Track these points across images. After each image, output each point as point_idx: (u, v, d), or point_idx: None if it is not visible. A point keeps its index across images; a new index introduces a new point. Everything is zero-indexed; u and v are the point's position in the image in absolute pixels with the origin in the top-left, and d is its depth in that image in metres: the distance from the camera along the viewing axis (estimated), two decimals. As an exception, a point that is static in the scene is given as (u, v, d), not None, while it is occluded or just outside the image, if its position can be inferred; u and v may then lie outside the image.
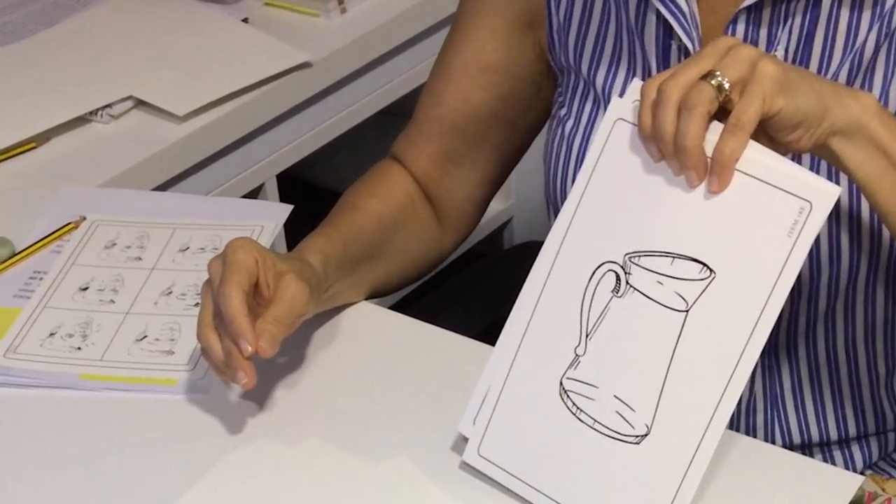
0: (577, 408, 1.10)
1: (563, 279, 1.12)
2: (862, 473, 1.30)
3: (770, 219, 1.04)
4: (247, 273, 1.18)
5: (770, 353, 1.31)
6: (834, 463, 1.33)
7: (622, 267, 1.09)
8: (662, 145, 1.06)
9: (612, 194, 1.11)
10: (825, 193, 1.03)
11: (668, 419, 1.07)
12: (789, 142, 1.07)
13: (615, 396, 1.09)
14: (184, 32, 1.93)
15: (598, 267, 1.10)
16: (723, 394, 1.04)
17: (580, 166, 1.30)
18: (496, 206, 2.37)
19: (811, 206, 1.03)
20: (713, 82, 1.03)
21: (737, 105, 1.04)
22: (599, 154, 1.12)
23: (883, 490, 1.13)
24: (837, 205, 1.19)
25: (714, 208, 1.06)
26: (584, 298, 1.11)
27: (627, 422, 1.08)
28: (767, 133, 1.06)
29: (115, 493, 1.19)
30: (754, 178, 1.05)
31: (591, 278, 1.10)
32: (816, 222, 1.03)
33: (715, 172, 1.05)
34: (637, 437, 1.08)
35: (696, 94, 1.03)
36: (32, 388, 1.30)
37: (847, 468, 1.33)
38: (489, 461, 1.15)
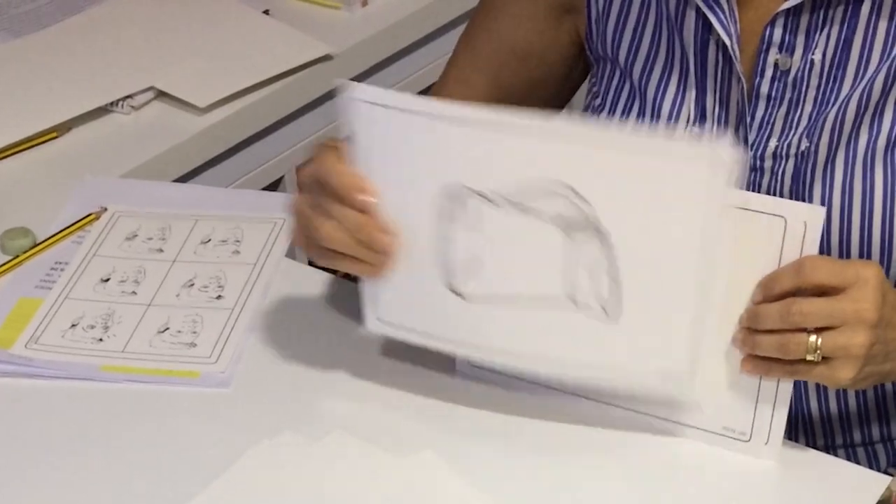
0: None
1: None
2: (887, 472, 1.30)
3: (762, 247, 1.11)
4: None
5: None
6: (858, 462, 1.32)
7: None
8: (752, 321, 1.11)
9: None
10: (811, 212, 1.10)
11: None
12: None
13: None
14: (205, 23, 1.92)
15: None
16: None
17: None
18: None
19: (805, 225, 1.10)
20: (813, 343, 1.09)
21: (812, 372, 1.10)
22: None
23: (910, 491, 1.12)
24: (870, 207, 1.23)
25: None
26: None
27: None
28: None
29: (136, 485, 1.18)
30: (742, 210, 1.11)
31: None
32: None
33: (752, 361, 1.13)
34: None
35: (796, 344, 1.09)
36: (54, 379, 1.29)
37: (871, 467, 1.32)
38: (391, 323, 1.21)
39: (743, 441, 1.15)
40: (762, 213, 1.10)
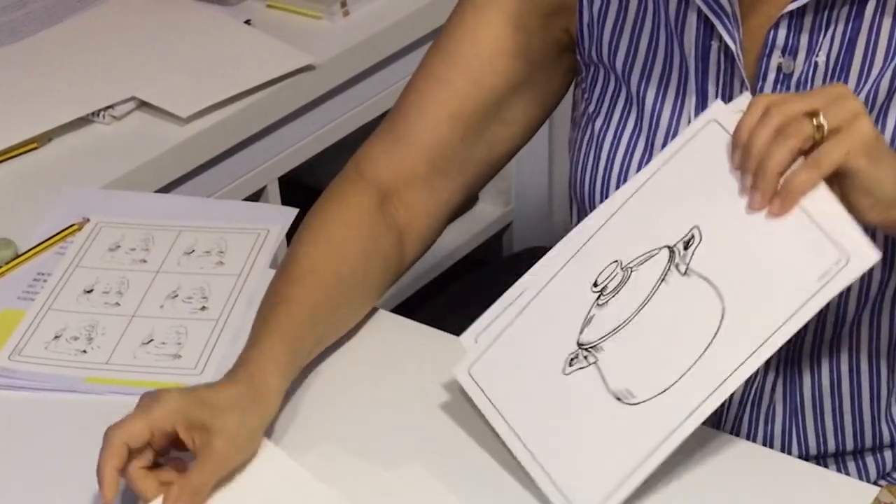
0: (579, 362, 1.14)
1: (604, 244, 1.18)
2: (876, 483, 1.30)
3: (807, 258, 1.09)
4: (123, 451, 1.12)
5: (793, 362, 1.30)
6: (847, 473, 1.32)
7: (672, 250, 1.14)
8: (748, 159, 1.11)
9: (679, 186, 1.16)
10: (864, 254, 1.07)
11: (666, 395, 1.10)
12: (860, 208, 1.10)
13: (624, 361, 1.13)
14: (186, 33, 1.92)
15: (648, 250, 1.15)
16: (711, 394, 1.08)
17: (610, 165, 1.29)
18: (496, 211, 2.36)
19: (848, 260, 1.07)
20: (815, 122, 1.08)
21: (823, 146, 1.09)
22: (684, 145, 1.17)
23: (899, 501, 1.12)
24: None
25: (764, 229, 1.10)
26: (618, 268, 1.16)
27: (629, 389, 1.12)
28: (843, 190, 1.10)
29: (121, 497, 1.17)
30: (808, 215, 1.09)
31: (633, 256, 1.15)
32: (847, 277, 1.07)
33: (780, 196, 1.10)
34: (636, 402, 1.11)
35: (797, 126, 1.08)
36: (37, 391, 1.28)
37: (861, 478, 1.33)
38: (476, 383, 1.19)
39: None
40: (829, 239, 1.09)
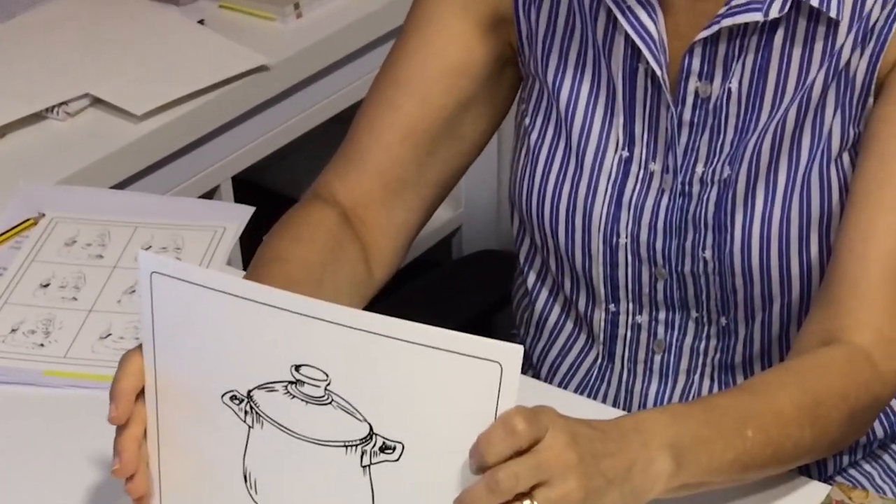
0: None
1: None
2: (830, 479, 1.32)
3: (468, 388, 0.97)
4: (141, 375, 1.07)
5: (728, 373, 1.33)
6: (808, 470, 1.34)
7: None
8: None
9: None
10: (511, 351, 0.95)
11: None
12: None
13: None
14: (140, 32, 1.92)
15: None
16: None
17: (545, 180, 1.31)
18: (445, 214, 2.37)
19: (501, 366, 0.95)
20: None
21: None
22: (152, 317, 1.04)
23: (850, 499, 1.15)
24: (787, 237, 1.23)
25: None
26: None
27: None
28: None
29: (79, 491, 1.18)
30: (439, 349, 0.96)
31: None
32: (512, 380, 0.96)
33: None
34: None
35: None
36: (-6, 385, 1.29)
37: (819, 473, 1.35)
38: None
39: None
40: (476, 358, 0.96)
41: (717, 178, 1.25)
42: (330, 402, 0.99)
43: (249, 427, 1.03)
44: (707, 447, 1.06)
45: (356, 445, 0.99)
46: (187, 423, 1.05)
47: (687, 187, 1.26)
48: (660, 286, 1.31)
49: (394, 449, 0.98)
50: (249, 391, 1.02)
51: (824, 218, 1.24)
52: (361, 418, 0.98)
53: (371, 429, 0.99)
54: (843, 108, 1.22)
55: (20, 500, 1.17)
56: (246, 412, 1.02)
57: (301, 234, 1.31)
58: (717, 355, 1.33)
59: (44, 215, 1.51)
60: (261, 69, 1.87)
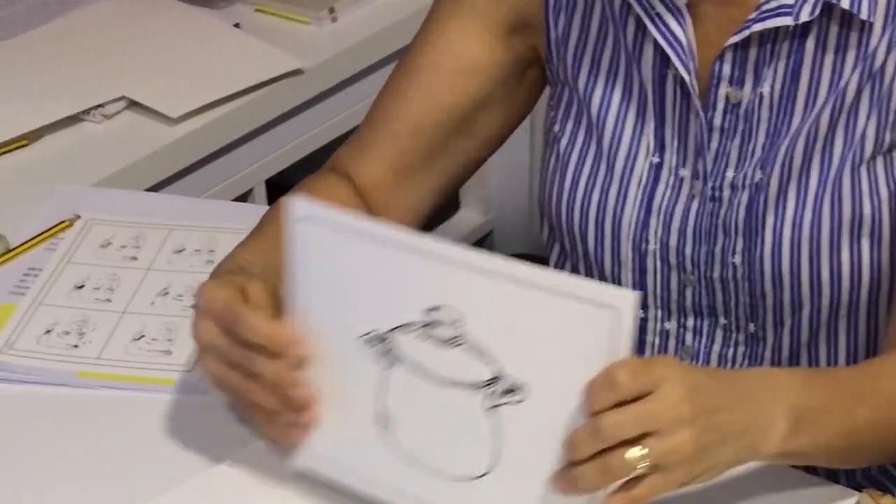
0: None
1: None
2: (859, 484, 1.32)
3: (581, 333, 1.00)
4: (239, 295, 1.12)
5: (775, 365, 1.33)
6: (836, 475, 1.34)
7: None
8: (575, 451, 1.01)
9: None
10: (628, 298, 0.98)
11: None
12: None
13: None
14: (176, 35, 1.93)
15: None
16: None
17: (574, 187, 1.32)
18: (476, 219, 2.38)
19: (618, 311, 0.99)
20: (639, 452, 0.99)
21: (639, 487, 1.00)
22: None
23: (878, 506, 1.14)
24: (818, 241, 1.24)
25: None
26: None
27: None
28: None
29: (110, 491, 1.18)
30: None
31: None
32: (627, 326, 0.99)
33: (567, 482, 1.01)
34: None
35: (619, 466, 0.99)
36: (28, 385, 1.29)
37: (847, 478, 1.35)
38: (317, 456, 1.14)
39: None
40: (593, 303, 0.99)
41: (747, 182, 1.25)
42: (461, 344, 1.03)
43: (384, 368, 1.08)
44: (824, 417, 1.09)
45: (483, 387, 1.03)
46: (323, 365, 1.10)
47: (717, 192, 1.27)
48: (688, 292, 1.31)
49: (518, 391, 1.02)
50: (386, 333, 1.06)
51: (855, 222, 1.24)
52: (491, 360, 1.02)
53: (498, 371, 1.03)
54: (878, 111, 1.22)
55: (54, 499, 1.18)
56: (382, 353, 1.07)
57: (317, 198, 1.32)
58: (745, 362, 1.33)
59: (79, 217, 1.52)
60: (296, 73, 1.88)
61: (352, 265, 1.07)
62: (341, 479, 1.14)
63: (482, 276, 1.02)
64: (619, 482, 1.00)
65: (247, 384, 1.10)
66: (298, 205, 1.08)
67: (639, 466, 0.98)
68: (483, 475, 1.06)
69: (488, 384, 1.03)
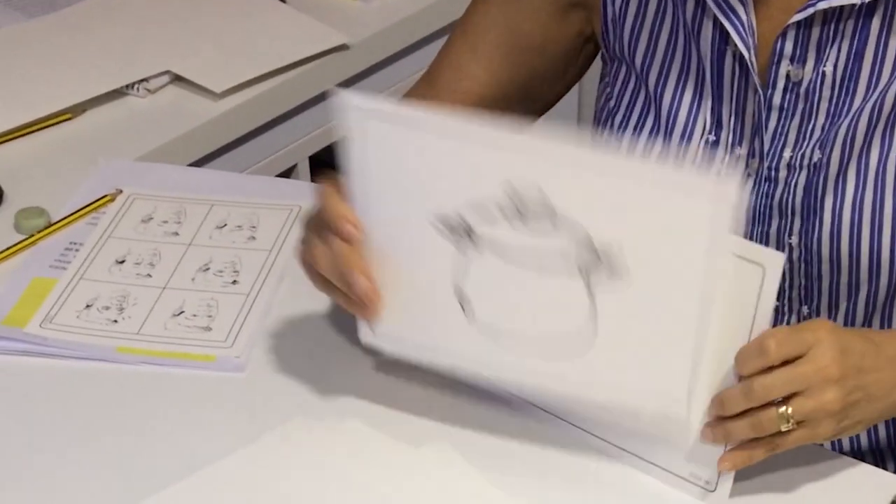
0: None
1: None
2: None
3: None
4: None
5: None
6: (885, 461, 1.32)
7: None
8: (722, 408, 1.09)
9: None
10: (775, 256, 1.06)
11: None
12: None
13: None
14: (221, 9, 1.92)
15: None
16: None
17: None
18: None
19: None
20: (785, 410, 1.07)
21: (786, 438, 1.09)
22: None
23: (928, 493, 1.13)
24: (880, 222, 1.22)
25: None
26: None
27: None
28: None
29: (148, 467, 1.18)
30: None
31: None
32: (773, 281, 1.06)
33: (716, 431, 1.11)
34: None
35: (769, 423, 1.08)
36: (68, 359, 1.29)
37: (896, 464, 1.34)
38: (385, 335, 1.17)
39: (708, 490, 1.12)
40: (743, 259, 1.06)
41: (806, 162, 1.23)
42: (551, 224, 1.06)
43: (461, 250, 1.10)
44: None
45: (581, 272, 1.07)
46: (395, 248, 1.13)
47: (773, 172, 1.24)
48: None
49: (618, 276, 1.05)
50: (465, 215, 1.08)
51: None
52: (585, 244, 1.05)
53: (592, 255, 1.05)
54: None
55: (93, 474, 1.18)
56: (460, 235, 1.09)
57: None
58: None
59: (121, 192, 1.51)
60: (341, 48, 1.87)
61: (421, 153, 1.09)
62: (415, 355, 1.18)
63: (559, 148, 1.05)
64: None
65: (319, 247, 1.15)
66: (353, 99, 1.10)
67: (784, 425, 1.07)
68: (578, 357, 1.09)
69: (586, 269, 1.06)
